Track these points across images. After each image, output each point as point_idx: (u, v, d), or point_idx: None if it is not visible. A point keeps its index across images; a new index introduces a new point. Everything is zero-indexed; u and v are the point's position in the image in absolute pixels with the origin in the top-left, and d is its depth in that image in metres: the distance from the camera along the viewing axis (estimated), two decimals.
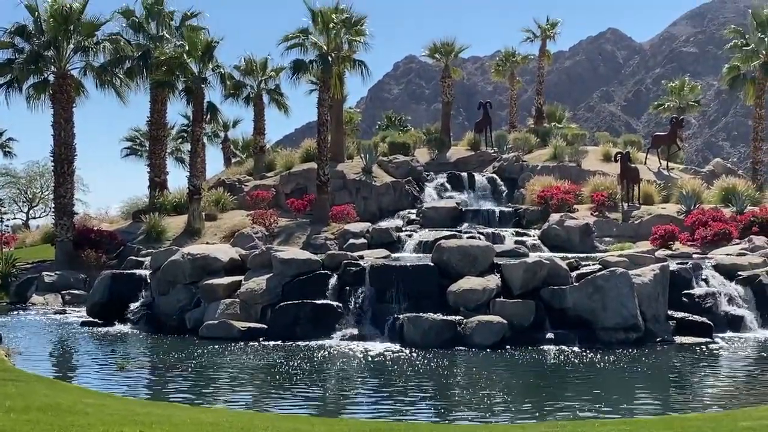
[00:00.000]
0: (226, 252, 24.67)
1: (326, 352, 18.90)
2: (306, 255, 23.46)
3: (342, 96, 41.92)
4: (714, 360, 18.43)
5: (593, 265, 22.17)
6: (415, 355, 18.34)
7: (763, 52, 42.05)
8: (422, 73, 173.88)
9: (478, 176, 40.76)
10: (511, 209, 36.86)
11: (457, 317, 19.99)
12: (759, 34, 42.23)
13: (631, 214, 33.83)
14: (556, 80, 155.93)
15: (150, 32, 40.17)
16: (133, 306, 24.09)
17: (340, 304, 21.16)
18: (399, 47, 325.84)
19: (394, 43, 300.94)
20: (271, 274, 22.35)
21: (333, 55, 36.67)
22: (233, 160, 55.55)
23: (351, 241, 31.19)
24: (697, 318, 21.23)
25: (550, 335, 19.85)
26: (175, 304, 23.28)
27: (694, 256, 26.51)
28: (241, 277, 22.87)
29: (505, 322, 19.72)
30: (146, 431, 8.77)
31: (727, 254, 26.00)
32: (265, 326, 21.24)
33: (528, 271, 20.93)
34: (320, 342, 20.06)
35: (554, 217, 33.04)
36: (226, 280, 22.88)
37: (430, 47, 48.83)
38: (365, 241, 31.32)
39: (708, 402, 13.99)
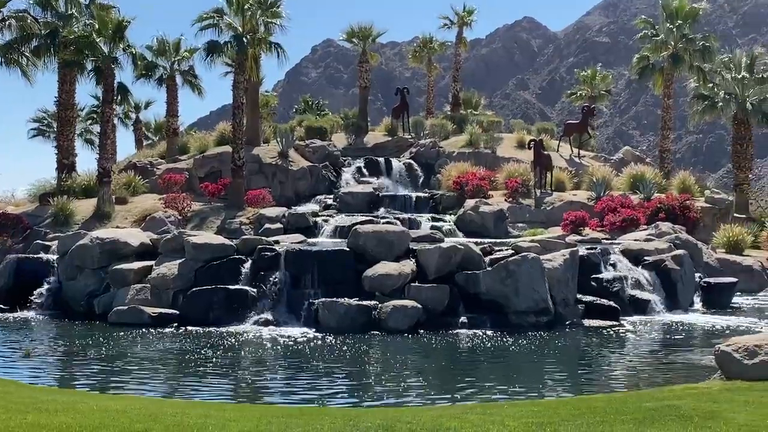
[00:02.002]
0: (136, 236, 24.20)
1: (240, 338, 18.71)
2: (219, 240, 23.20)
3: (258, 79, 41.43)
4: (621, 343, 18.90)
5: (506, 250, 22.48)
6: (330, 340, 18.32)
7: (672, 42, 43.13)
8: (340, 57, 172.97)
9: (395, 162, 40.84)
10: (427, 195, 37.06)
11: (373, 302, 20.03)
12: (668, 24, 43.27)
13: (543, 201, 34.41)
14: (474, 67, 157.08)
15: (58, 10, 38.84)
16: (40, 291, 23.46)
17: (255, 290, 20.98)
18: (317, 31, 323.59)
19: (313, 27, 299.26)
20: (184, 259, 22.02)
21: (248, 36, 36.17)
22: (145, 143, 54.42)
23: (267, 226, 30.89)
24: (605, 302, 21.77)
25: (463, 319, 20.09)
26: (84, 290, 22.78)
27: (603, 241, 27.11)
28: (153, 262, 22.48)
29: (419, 306, 19.85)
30: (51, 418, 8.52)
31: (635, 239, 26.67)
32: (177, 312, 20.94)
33: (443, 256, 21.09)
34: (234, 328, 19.86)
35: (469, 202, 33.38)
36: (136, 265, 22.46)
37: (348, 31, 48.59)
38: (281, 226, 31.07)
39: (615, 383, 14.33)
